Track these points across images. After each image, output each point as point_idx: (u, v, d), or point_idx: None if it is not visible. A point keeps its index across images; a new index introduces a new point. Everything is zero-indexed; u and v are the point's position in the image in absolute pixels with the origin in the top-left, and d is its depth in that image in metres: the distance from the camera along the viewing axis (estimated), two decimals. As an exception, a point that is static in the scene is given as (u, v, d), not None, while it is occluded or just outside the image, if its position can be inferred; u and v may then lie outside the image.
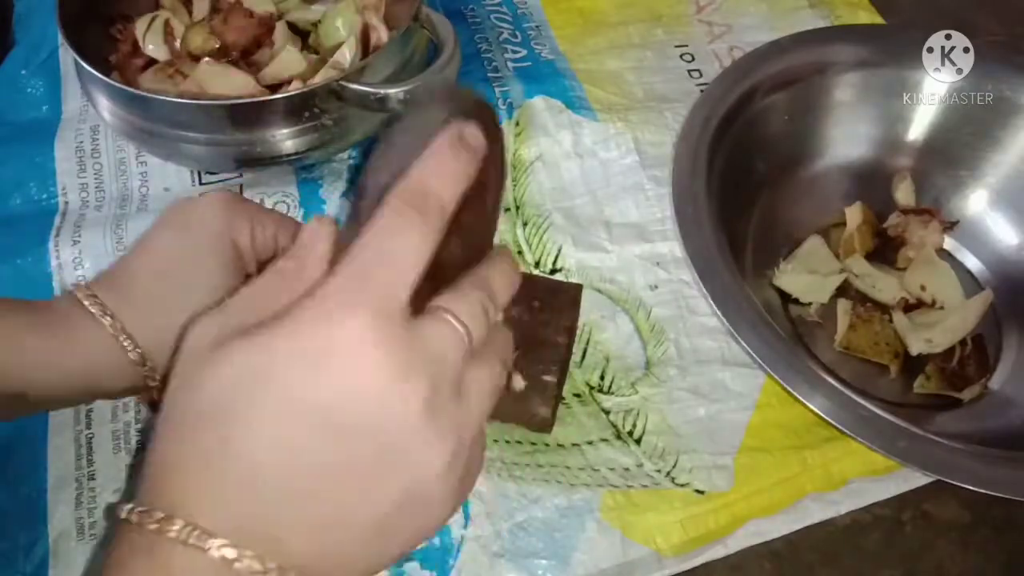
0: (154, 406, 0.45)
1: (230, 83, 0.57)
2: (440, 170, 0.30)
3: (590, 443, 0.50)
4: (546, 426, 0.50)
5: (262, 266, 0.43)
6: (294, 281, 0.30)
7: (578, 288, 0.53)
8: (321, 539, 0.28)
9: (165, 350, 0.41)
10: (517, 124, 0.63)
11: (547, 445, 0.50)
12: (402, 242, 0.29)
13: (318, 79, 0.58)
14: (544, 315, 0.51)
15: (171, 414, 0.29)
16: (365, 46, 0.61)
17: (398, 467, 0.28)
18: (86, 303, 0.41)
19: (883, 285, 0.57)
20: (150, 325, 0.41)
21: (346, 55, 0.60)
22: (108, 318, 0.41)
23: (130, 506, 0.28)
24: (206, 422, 0.28)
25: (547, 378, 0.49)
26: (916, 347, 0.55)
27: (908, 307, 0.57)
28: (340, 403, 0.27)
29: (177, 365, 0.29)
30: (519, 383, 0.48)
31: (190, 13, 0.63)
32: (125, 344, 0.41)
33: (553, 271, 0.57)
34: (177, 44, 0.61)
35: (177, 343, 0.30)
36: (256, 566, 0.26)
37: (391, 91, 0.55)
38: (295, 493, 0.27)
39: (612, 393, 0.52)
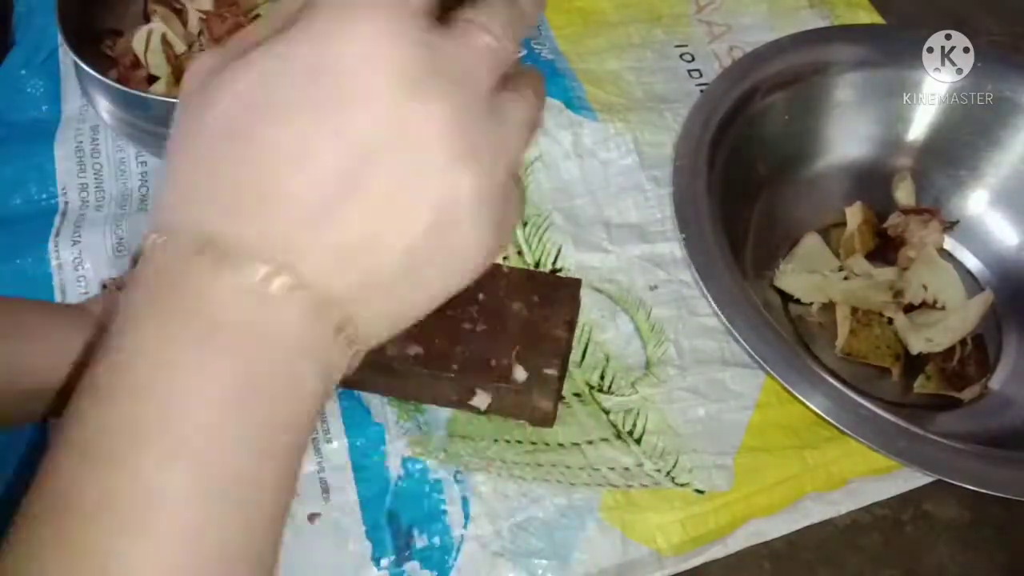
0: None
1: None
2: None
3: (590, 443, 0.50)
4: (548, 420, 0.50)
5: None
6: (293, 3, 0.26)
7: (577, 283, 0.53)
8: (351, 262, 0.25)
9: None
10: (517, 124, 0.63)
11: (547, 444, 0.50)
12: None
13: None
14: (544, 310, 0.51)
15: (181, 143, 0.27)
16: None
17: (425, 185, 0.25)
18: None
19: (881, 283, 0.57)
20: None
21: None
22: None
23: (154, 235, 0.25)
24: (222, 142, 0.25)
25: (548, 371, 0.49)
26: (916, 346, 0.55)
27: (908, 307, 0.57)
28: (358, 115, 0.24)
29: (182, 95, 0.27)
30: (521, 374, 0.49)
31: (184, 23, 0.63)
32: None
33: (553, 271, 0.57)
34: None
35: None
36: (289, 281, 0.24)
37: None
38: (322, 211, 0.24)
39: (612, 393, 0.52)
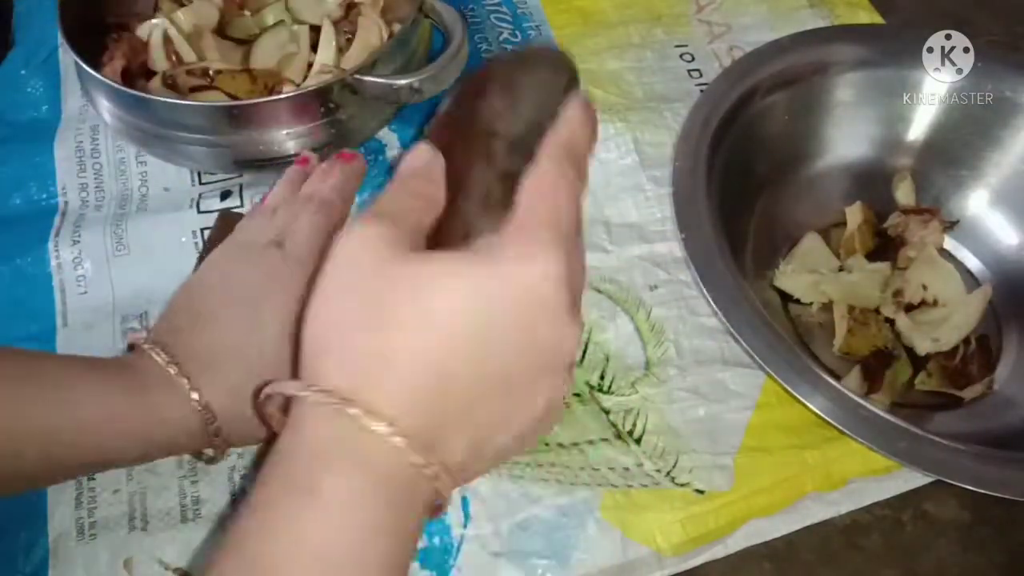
0: (204, 458, 0.46)
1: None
2: (582, 131, 0.36)
3: (590, 443, 0.50)
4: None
5: None
6: (428, 201, 0.34)
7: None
8: (479, 442, 0.31)
9: (228, 423, 0.42)
10: (517, 124, 0.63)
11: (547, 445, 0.50)
12: (568, 192, 0.34)
13: (310, 81, 0.59)
14: None
15: (344, 313, 0.31)
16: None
17: (549, 369, 0.32)
18: (164, 365, 0.41)
19: (880, 283, 0.57)
20: (218, 397, 0.41)
21: (329, 57, 0.60)
22: (185, 379, 0.41)
23: (309, 387, 0.30)
24: (392, 322, 0.30)
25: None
26: (923, 347, 0.55)
27: (908, 307, 0.57)
28: (526, 328, 0.31)
29: (335, 267, 0.32)
30: None
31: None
32: (195, 404, 0.41)
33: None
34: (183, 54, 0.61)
35: (325, 251, 0.32)
36: (419, 460, 0.29)
37: (407, 81, 0.55)
38: (469, 400, 0.30)
39: (612, 393, 0.52)
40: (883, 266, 0.58)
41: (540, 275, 0.31)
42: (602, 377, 0.53)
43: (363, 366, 0.30)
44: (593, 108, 0.36)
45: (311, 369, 0.31)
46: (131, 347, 0.42)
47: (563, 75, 0.38)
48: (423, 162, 0.35)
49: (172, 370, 0.41)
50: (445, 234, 0.34)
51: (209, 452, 0.44)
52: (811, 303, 0.58)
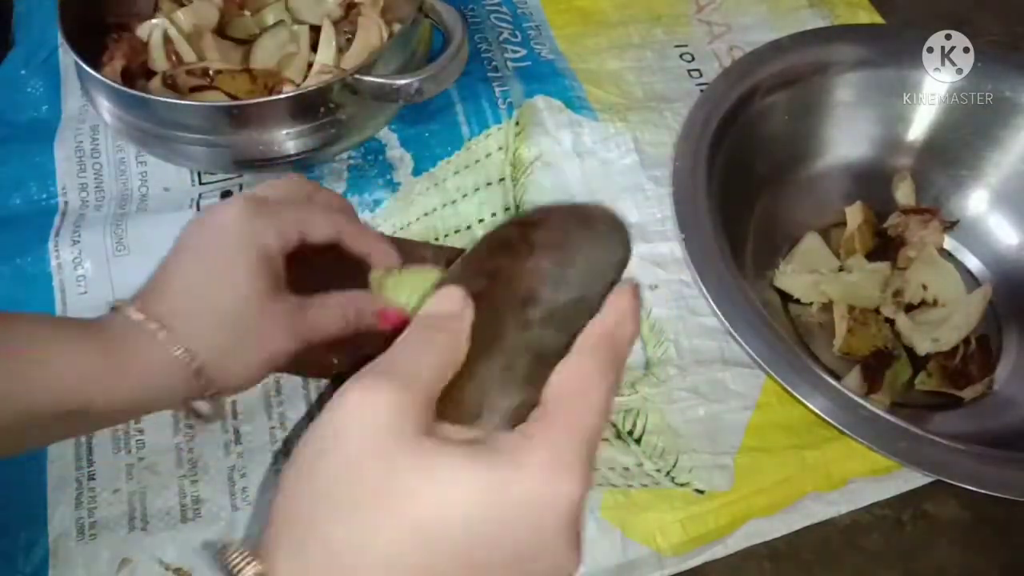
0: (200, 416, 0.45)
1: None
2: (629, 325, 0.32)
3: (590, 443, 0.50)
4: None
5: (289, 258, 0.44)
6: (450, 360, 0.31)
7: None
8: None
9: (214, 360, 0.41)
10: (517, 124, 0.63)
11: (547, 445, 0.50)
12: (605, 395, 0.30)
13: (310, 81, 0.59)
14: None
15: (325, 481, 0.28)
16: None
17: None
18: (140, 319, 0.40)
19: (880, 283, 0.57)
20: (197, 338, 0.41)
21: (329, 57, 0.61)
22: (165, 332, 0.40)
23: (238, 551, 0.28)
24: (383, 519, 0.27)
25: None
26: (923, 347, 0.55)
27: (908, 307, 0.57)
28: (531, 553, 0.28)
29: (330, 429, 0.29)
30: None
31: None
32: (181, 356, 0.40)
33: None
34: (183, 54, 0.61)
35: (327, 397, 0.31)
36: None
37: (406, 81, 0.56)
38: None
39: (612, 393, 0.52)
40: (883, 266, 0.58)
41: (564, 496, 0.28)
42: (602, 377, 0.53)
43: (330, 564, 0.27)
44: (640, 298, 0.33)
45: (270, 545, 0.28)
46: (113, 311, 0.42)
47: (620, 250, 0.34)
48: (453, 311, 0.31)
49: (140, 316, 0.40)
50: (453, 399, 0.31)
51: (203, 405, 0.43)
52: (811, 303, 0.58)
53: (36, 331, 0.40)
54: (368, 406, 0.28)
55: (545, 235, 0.34)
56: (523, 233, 0.34)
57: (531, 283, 0.32)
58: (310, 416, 0.51)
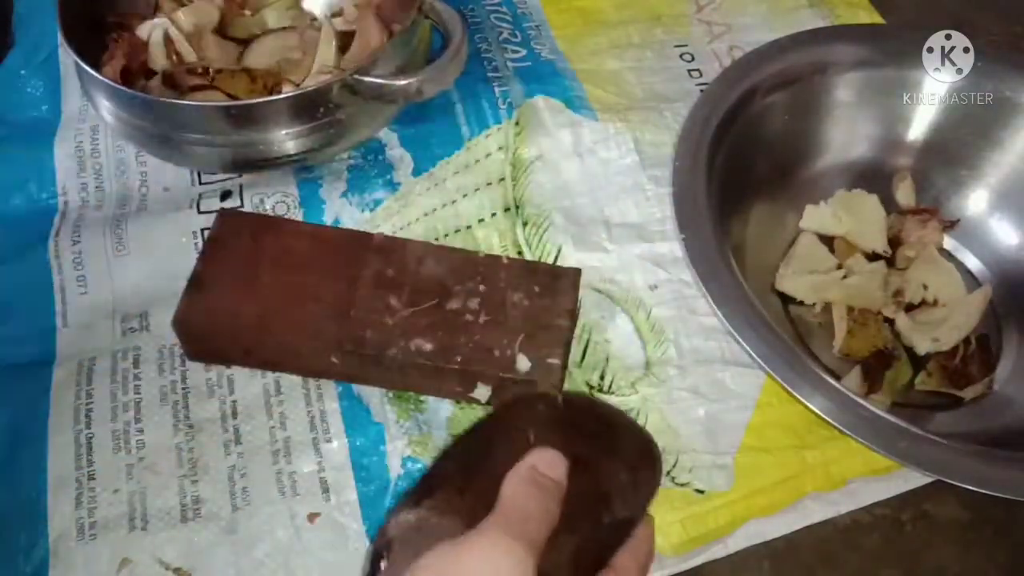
0: None
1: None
2: (649, 559, 0.35)
3: (590, 443, 0.50)
4: (559, 385, 0.50)
5: None
6: (551, 523, 0.31)
7: (577, 272, 0.53)
8: None
9: None
10: (517, 124, 0.63)
11: (547, 445, 0.50)
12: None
13: (310, 81, 0.59)
14: (545, 300, 0.51)
15: None
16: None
17: None
18: None
19: (880, 283, 0.57)
20: None
21: (329, 57, 0.61)
22: None
23: None
24: None
25: (552, 361, 0.49)
26: (923, 346, 0.55)
27: (908, 307, 0.57)
28: None
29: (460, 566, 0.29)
30: (524, 364, 0.49)
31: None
32: None
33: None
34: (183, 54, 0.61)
35: None
36: None
37: (407, 81, 0.56)
38: None
39: (612, 393, 0.52)
40: (882, 266, 0.58)
41: None
42: (602, 377, 0.53)
43: None
44: (542, 475, 0.33)
45: None
46: None
47: (656, 484, 0.37)
48: (560, 476, 0.33)
49: None
50: None
51: None
52: (812, 304, 0.58)
53: None
54: (508, 566, 0.29)
55: (627, 447, 0.37)
56: (610, 435, 0.37)
57: (609, 489, 0.35)
58: (310, 416, 0.51)
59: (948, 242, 0.61)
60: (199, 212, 0.59)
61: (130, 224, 0.58)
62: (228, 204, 0.59)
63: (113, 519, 0.47)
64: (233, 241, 0.52)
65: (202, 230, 0.58)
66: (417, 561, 0.29)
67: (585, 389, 0.53)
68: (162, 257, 0.56)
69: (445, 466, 0.35)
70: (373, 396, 0.52)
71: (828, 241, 0.60)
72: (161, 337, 0.53)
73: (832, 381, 0.47)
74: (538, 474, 0.32)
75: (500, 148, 0.62)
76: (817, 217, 0.60)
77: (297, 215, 0.59)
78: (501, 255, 0.54)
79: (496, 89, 0.65)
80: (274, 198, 0.60)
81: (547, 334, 0.50)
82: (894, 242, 0.60)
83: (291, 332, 0.50)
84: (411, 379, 0.51)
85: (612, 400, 0.52)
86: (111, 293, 0.55)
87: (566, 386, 0.52)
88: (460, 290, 0.51)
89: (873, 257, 0.59)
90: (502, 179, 0.61)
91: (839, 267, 0.58)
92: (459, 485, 0.34)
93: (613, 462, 0.36)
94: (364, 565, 0.31)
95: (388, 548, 0.32)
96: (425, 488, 0.34)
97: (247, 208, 0.59)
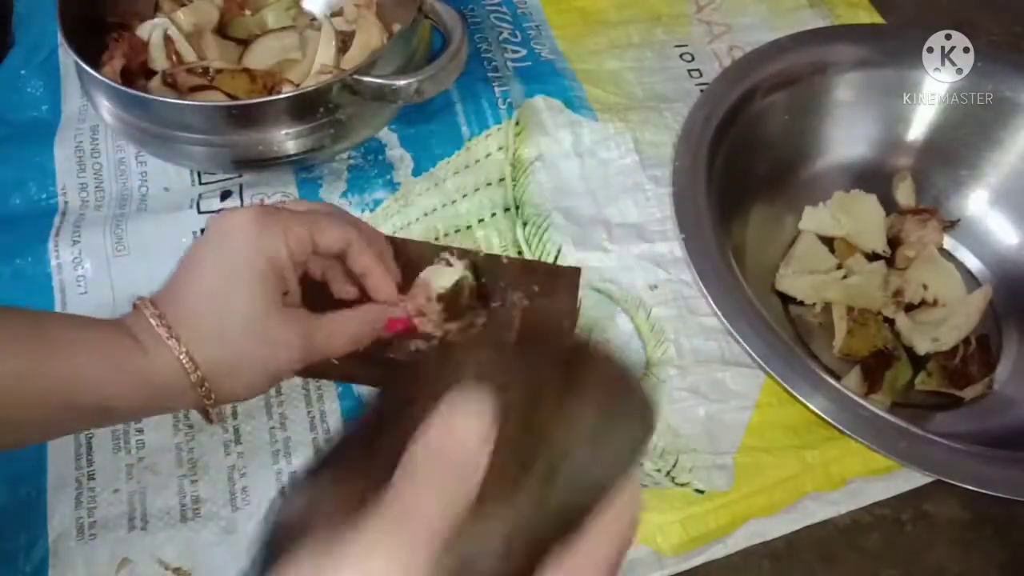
0: (208, 418, 0.46)
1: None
2: (631, 533, 0.28)
3: (590, 443, 0.50)
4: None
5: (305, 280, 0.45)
6: (465, 503, 0.25)
7: (576, 272, 0.53)
8: None
9: (219, 371, 0.42)
10: (517, 124, 0.63)
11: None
12: None
13: (310, 81, 0.59)
14: (545, 299, 0.51)
15: None
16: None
17: None
18: (155, 323, 0.42)
19: (880, 282, 0.57)
20: (203, 347, 0.42)
21: (328, 57, 0.61)
22: (174, 340, 0.42)
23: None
24: None
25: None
26: (923, 346, 0.55)
27: (908, 307, 0.57)
28: None
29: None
30: None
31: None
32: (187, 366, 0.42)
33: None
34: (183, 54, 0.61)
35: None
36: None
37: (407, 81, 0.56)
38: None
39: (612, 393, 0.52)
40: (881, 265, 0.58)
41: None
42: (602, 377, 0.53)
43: None
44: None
45: None
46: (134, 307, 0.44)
47: (646, 436, 0.29)
48: (473, 448, 0.25)
49: (155, 321, 0.42)
50: None
51: (208, 404, 0.44)
52: (812, 304, 0.58)
53: (68, 333, 0.42)
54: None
55: (583, 401, 0.28)
56: (561, 386, 0.28)
57: (555, 458, 0.27)
58: (310, 416, 0.51)
59: (948, 242, 0.61)
60: (199, 212, 0.59)
61: (130, 224, 0.58)
62: (228, 204, 0.59)
63: (113, 519, 0.47)
64: None
65: (202, 230, 0.58)
66: (275, 570, 0.24)
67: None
68: (162, 257, 0.56)
69: (360, 425, 0.29)
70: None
71: (828, 241, 0.60)
72: (161, 337, 0.53)
73: (832, 381, 0.47)
74: (441, 447, 0.25)
75: (500, 148, 0.62)
76: (816, 218, 0.60)
77: (297, 215, 0.59)
78: (501, 254, 0.54)
79: (496, 89, 0.65)
80: (274, 198, 0.60)
81: (549, 334, 0.50)
82: (894, 242, 0.60)
83: None
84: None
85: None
86: (111, 293, 0.55)
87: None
88: (460, 291, 0.51)
89: (873, 257, 0.59)
90: (502, 179, 0.61)
91: (839, 267, 0.58)
92: (366, 452, 0.27)
93: (581, 407, 0.28)
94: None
95: (271, 544, 0.26)
96: (332, 455, 0.28)
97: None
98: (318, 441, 0.50)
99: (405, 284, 0.50)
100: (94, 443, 0.49)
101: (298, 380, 0.52)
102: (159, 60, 0.61)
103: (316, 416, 0.51)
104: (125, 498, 0.48)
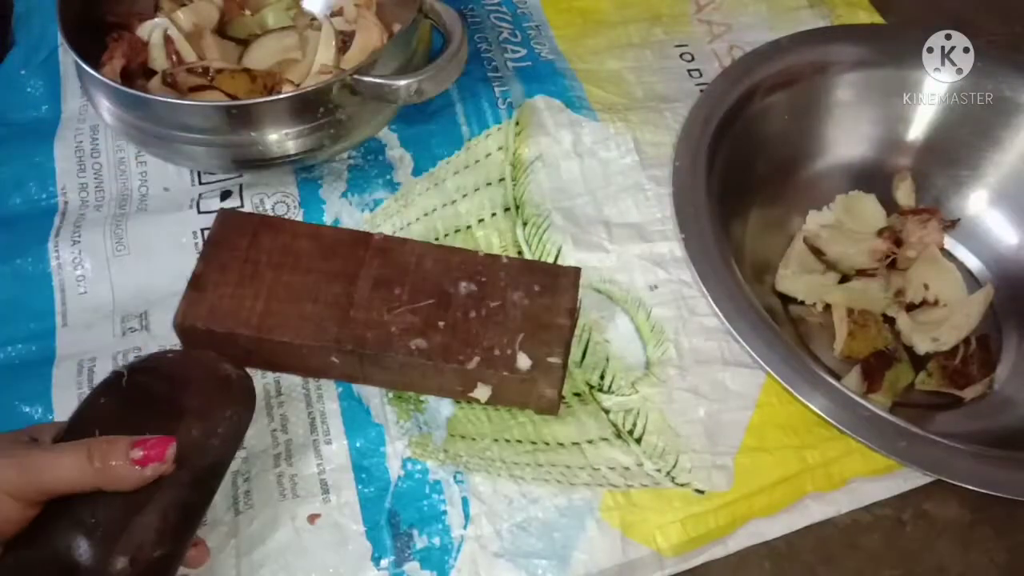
0: None
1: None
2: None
3: (590, 442, 0.50)
4: (553, 408, 0.51)
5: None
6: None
7: (576, 271, 0.53)
8: None
9: None
10: (517, 124, 0.63)
11: (547, 444, 0.50)
12: None
13: (310, 81, 0.59)
14: (545, 299, 0.51)
15: None
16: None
17: None
18: None
19: (881, 283, 0.57)
20: None
21: (328, 57, 0.61)
22: None
23: None
24: None
25: (552, 360, 0.49)
26: (923, 346, 0.55)
27: (909, 307, 0.57)
28: None
29: None
30: (525, 363, 0.49)
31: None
32: None
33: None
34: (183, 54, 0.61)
35: None
36: None
37: (407, 82, 0.56)
38: None
39: (612, 392, 0.52)
40: (882, 267, 0.58)
41: None
42: (602, 377, 0.53)
43: None
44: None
45: None
46: None
47: (248, 416, 0.46)
48: (120, 466, 0.38)
49: None
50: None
51: None
52: (813, 304, 0.58)
53: None
54: None
55: (192, 401, 0.42)
56: (170, 394, 0.42)
57: (184, 450, 0.39)
58: (310, 417, 0.51)
59: (948, 242, 0.61)
60: (199, 212, 0.59)
61: (130, 224, 0.57)
62: (228, 204, 0.59)
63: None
64: (233, 241, 0.52)
65: (202, 230, 0.58)
66: None
67: (585, 389, 0.53)
68: (162, 257, 0.56)
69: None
70: (373, 397, 0.52)
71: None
72: (161, 337, 0.53)
73: (832, 381, 0.47)
74: (93, 448, 0.37)
75: (500, 148, 0.62)
76: (820, 223, 0.59)
77: (297, 215, 0.59)
78: (501, 254, 0.54)
79: (496, 89, 0.65)
80: (274, 198, 0.60)
81: (547, 333, 0.50)
82: (895, 242, 0.60)
83: (291, 332, 0.49)
84: (411, 379, 0.51)
85: (613, 399, 0.52)
86: (111, 293, 0.55)
87: (567, 386, 0.52)
88: (460, 289, 0.51)
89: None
90: (502, 179, 0.61)
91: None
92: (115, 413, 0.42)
93: (184, 424, 0.41)
94: None
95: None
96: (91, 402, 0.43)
97: (247, 208, 0.59)
98: (318, 443, 0.50)
99: (412, 292, 0.51)
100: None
101: (298, 381, 0.52)
102: (159, 60, 0.61)
103: (316, 417, 0.51)
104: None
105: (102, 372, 0.52)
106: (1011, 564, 0.49)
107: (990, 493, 0.44)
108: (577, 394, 0.52)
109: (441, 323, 0.50)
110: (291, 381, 0.52)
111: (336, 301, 0.50)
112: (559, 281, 0.52)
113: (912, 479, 0.51)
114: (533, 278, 0.52)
